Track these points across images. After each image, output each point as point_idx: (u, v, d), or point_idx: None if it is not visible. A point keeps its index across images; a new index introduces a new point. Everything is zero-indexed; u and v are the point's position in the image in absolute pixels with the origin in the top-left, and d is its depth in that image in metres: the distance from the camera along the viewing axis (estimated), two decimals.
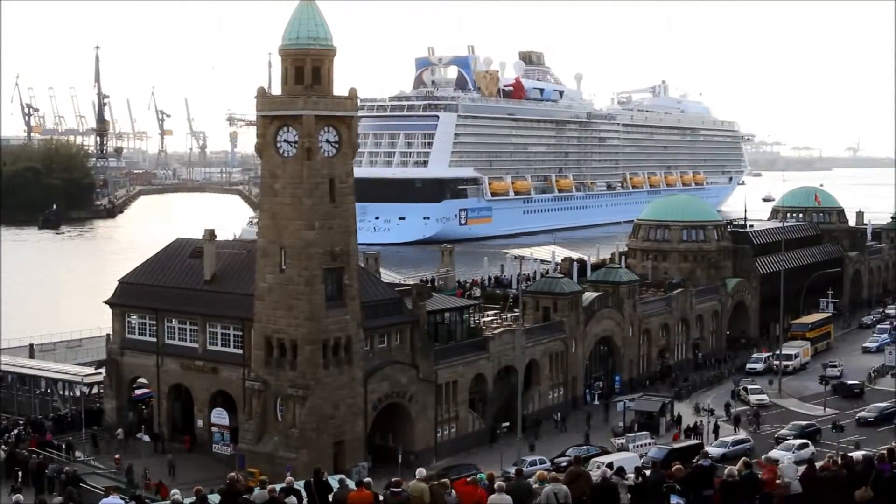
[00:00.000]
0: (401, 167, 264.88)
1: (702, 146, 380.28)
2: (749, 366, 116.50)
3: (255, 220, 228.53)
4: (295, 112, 77.53)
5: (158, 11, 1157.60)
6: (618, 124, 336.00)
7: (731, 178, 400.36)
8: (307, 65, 78.14)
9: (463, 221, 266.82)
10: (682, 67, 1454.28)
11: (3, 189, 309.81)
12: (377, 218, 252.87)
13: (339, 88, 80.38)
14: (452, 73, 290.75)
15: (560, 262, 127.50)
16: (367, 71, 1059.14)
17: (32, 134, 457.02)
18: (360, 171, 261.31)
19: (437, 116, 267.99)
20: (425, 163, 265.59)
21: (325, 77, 79.01)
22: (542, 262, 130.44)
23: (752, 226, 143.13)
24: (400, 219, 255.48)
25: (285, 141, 78.04)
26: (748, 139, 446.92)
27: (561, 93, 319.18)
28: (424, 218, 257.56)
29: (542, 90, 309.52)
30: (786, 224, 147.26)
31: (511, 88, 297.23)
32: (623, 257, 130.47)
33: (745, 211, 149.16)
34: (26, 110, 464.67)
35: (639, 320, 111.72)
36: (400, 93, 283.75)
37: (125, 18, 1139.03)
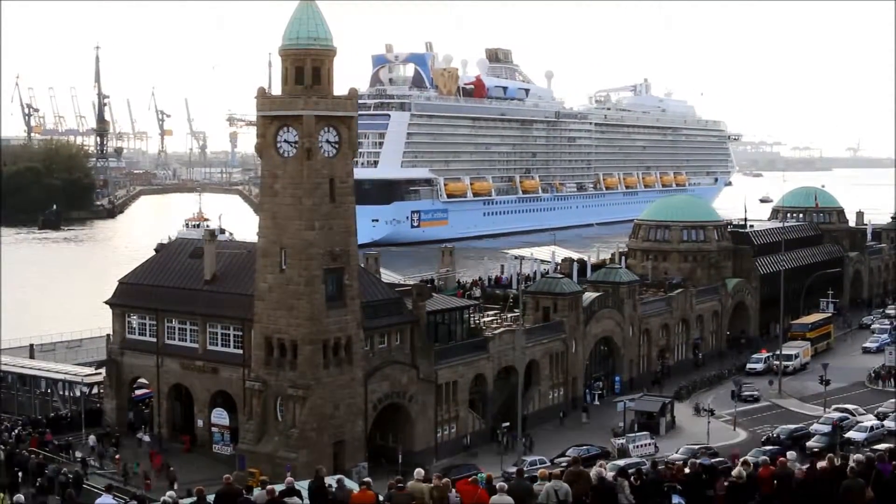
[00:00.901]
0: (373, 168, 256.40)
1: (684, 146, 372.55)
2: (749, 366, 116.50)
3: (194, 223, 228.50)
4: (295, 112, 77.49)
5: (158, 11, 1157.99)
6: (590, 123, 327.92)
7: (716, 179, 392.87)
8: (307, 65, 78.12)
9: (415, 224, 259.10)
10: (682, 68, 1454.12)
11: (4, 189, 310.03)
12: None
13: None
14: (410, 70, 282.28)
15: (560, 262, 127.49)
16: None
17: (33, 134, 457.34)
18: None
19: (389, 115, 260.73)
20: (375, 163, 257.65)
21: (326, 77, 79.00)
22: (543, 262, 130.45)
23: (752, 226, 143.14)
24: (373, 221, 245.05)
25: (285, 141, 78.02)
26: (735, 139, 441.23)
27: (527, 91, 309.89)
28: (373, 220, 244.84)
29: (505, 88, 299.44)
30: (786, 224, 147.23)
31: (472, 87, 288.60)
32: (623, 257, 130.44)
33: (745, 211, 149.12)
34: (26, 110, 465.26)
35: (639, 320, 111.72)
36: (356, 90, 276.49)
37: (125, 18, 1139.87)
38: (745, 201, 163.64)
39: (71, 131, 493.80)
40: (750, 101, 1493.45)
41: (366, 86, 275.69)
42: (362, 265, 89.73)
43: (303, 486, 32.61)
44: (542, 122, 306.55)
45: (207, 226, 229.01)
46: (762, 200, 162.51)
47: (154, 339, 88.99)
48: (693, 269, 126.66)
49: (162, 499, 32.03)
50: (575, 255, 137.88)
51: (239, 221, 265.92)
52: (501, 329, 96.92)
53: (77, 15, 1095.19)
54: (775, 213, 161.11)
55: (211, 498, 31.45)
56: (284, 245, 77.73)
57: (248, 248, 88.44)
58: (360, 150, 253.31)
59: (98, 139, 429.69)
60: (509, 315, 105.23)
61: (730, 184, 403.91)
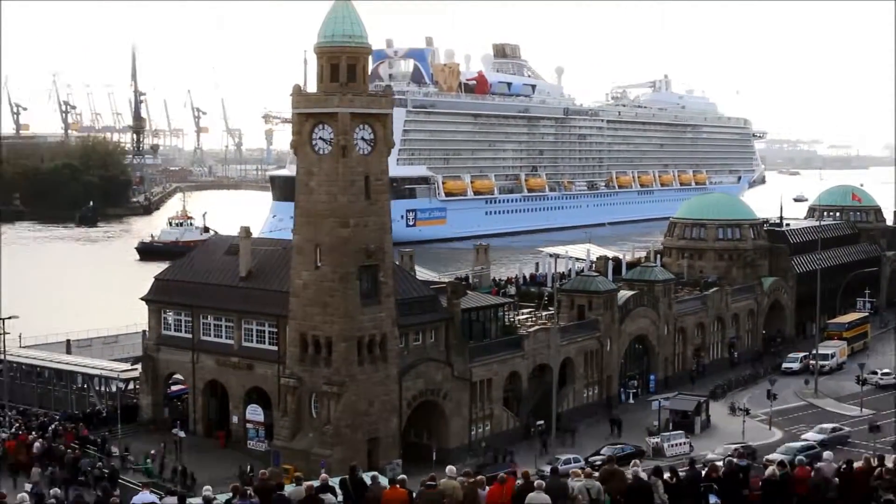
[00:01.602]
0: None
1: (705, 144, 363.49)
2: (785, 365, 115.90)
3: (177, 222, 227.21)
4: (330, 110, 77.57)
5: (194, 9, 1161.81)
6: (602, 120, 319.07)
7: (739, 178, 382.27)
8: (342, 62, 78.20)
9: (411, 223, 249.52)
10: (714, 67, 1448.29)
11: (42, 186, 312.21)
12: None
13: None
14: (409, 66, 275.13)
15: (595, 260, 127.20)
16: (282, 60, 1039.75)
17: (70, 131, 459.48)
18: None
19: None
20: None
21: (361, 75, 79.15)
22: (577, 260, 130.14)
23: (788, 224, 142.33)
24: None
25: (321, 138, 78.13)
26: (760, 136, 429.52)
27: (533, 87, 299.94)
28: None
29: (509, 84, 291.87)
30: (822, 223, 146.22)
31: (474, 82, 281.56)
32: (658, 256, 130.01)
33: (781, 210, 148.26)
34: (64, 108, 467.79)
35: (674, 319, 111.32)
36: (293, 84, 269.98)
37: (162, 16, 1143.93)
38: (781, 200, 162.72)
39: (108, 128, 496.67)
40: (787, 99, 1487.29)
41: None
42: (397, 262, 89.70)
43: (337, 483, 32.65)
44: (550, 119, 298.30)
45: (191, 224, 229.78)
46: (796, 199, 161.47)
47: (189, 336, 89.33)
48: (729, 268, 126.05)
49: (203, 493, 32.07)
50: (610, 254, 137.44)
51: (232, 218, 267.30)
52: (536, 327, 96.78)
53: (114, 13, 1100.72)
54: (812, 211, 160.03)
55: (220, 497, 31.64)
56: (319, 242, 77.83)
57: (283, 245, 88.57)
58: None
59: (134, 136, 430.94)
60: (544, 313, 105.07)
61: (762, 182, 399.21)
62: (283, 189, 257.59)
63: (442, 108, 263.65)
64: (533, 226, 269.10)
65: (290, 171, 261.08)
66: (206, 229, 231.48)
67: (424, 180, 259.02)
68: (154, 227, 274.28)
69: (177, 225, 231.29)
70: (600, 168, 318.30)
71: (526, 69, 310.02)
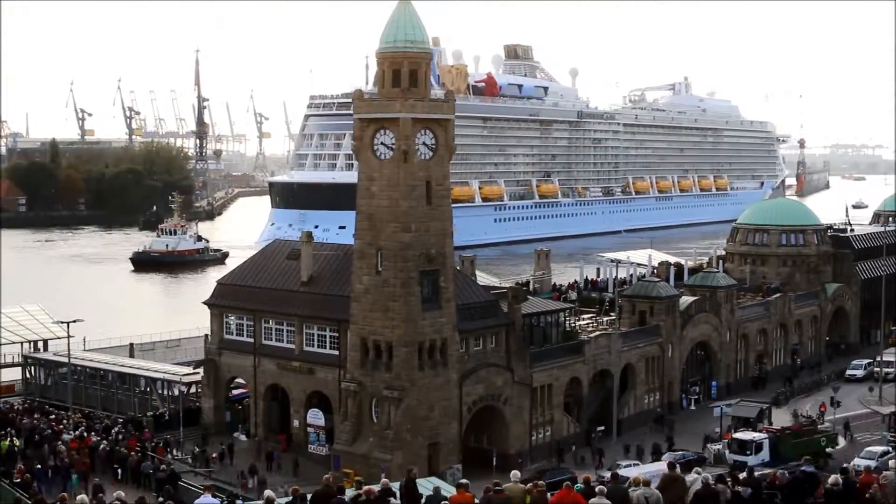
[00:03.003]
0: (345, 171, 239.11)
1: (726, 148, 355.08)
2: (849, 372, 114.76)
3: (169, 230, 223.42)
4: (392, 115, 77.69)
5: (257, 14, 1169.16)
6: (618, 124, 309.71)
7: (762, 183, 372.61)
8: (404, 67, 78.25)
9: None
10: (748, 70, 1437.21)
11: (107, 191, 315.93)
12: (316, 227, 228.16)
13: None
14: None
15: (657, 265, 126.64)
16: (343, 66, 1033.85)
17: (134, 136, 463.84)
18: (302, 175, 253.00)
19: None
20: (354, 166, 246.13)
21: (422, 79, 79.16)
22: (639, 265, 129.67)
23: (852, 230, 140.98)
24: (340, 228, 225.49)
25: (382, 143, 78.29)
26: (783, 140, 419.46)
27: (545, 89, 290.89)
28: (340, 227, 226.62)
29: (520, 86, 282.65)
30: (888, 228, 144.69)
31: (483, 84, 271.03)
32: (721, 261, 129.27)
33: (847, 215, 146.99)
34: (128, 113, 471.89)
35: (736, 325, 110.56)
36: (355, 89, 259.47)
37: (225, 21, 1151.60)
38: (845, 205, 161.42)
39: (171, 134, 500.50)
40: (848, 104, 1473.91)
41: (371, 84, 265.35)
42: (458, 267, 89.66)
43: (396, 487, 32.74)
44: (564, 123, 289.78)
45: (184, 233, 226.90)
46: (855, 206, 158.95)
47: (251, 340, 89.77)
48: (792, 274, 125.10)
49: (266, 495, 32.16)
50: (672, 259, 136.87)
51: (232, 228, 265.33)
52: (597, 332, 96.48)
53: (177, 18, 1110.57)
54: (876, 217, 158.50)
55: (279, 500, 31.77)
56: (381, 247, 77.97)
57: (344, 249, 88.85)
58: (338, 153, 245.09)
59: (197, 141, 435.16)
60: (605, 318, 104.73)
61: (828, 187, 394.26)
62: (282, 195, 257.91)
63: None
64: (545, 233, 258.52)
65: (289, 177, 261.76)
66: (200, 238, 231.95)
67: None
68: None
69: (169, 233, 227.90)
70: (616, 173, 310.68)
71: (539, 71, 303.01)
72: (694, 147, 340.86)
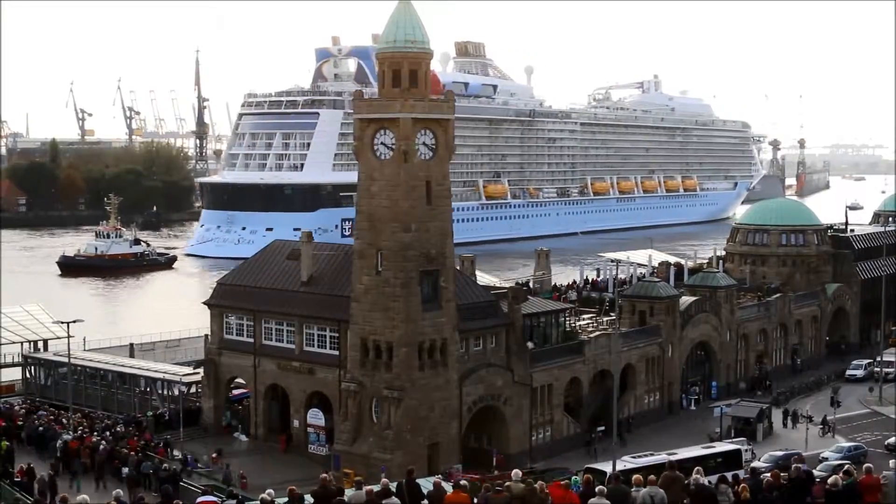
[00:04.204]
0: (274, 171, 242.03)
1: (696, 148, 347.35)
2: (849, 373, 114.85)
3: (105, 234, 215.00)
4: (392, 115, 77.69)
5: (257, 14, 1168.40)
6: (575, 123, 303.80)
7: (735, 184, 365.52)
8: (404, 67, 78.22)
9: (347, 233, 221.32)
10: (772, 70, 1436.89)
11: (106, 191, 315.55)
12: (244, 228, 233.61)
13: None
14: (354, 65, 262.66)
15: (657, 266, 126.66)
16: (288, 64, 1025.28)
17: (134, 137, 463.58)
18: (233, 176, 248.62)
19: (318, 114, 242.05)
20: (302, 166, 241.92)
21: (423, 80, 79.08)
22: (639, 265, 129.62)
23: (852, 230, 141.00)
24: (267, 230, 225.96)
25: (382, 143, 78.30)
26: (759, 140, 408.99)
27: (495, 87, 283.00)
28: (295, 229, 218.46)
29: (466, 84, 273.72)
30: (888, 228, 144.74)
31: None
32: (721, 261, 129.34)
33: (846, 215, 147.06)
34: (128, 113, 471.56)
35: (736, 325, 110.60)
36: (295, 87, 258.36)
37: (225, 21, 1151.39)
38: (845, 208, 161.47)
39: (171, 134, 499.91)
40: (848, 103, 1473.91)
41: (309, 82, 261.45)
42: (458, 267, 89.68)
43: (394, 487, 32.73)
44: (515, 122, 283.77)
45: (120, 236, 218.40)
46: (851, 207, 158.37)
47: (251, 340, 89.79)
48: (792, 274, 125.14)
49: (261, 496, 32.27)
50: (672, 259, 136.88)
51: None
52: (597, 332, 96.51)
53: (177, 18, 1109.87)
54: (876, 217, 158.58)
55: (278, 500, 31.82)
56: (381, 247, 77.97)
57: (344, 250, 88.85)
58: (286, 153, 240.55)
59: (198, 142, 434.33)
60: (605, 319, 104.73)
61: (828, 187, 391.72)
62: (212, 197, 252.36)
63: None
64: (492, 235, 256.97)
65: (221, 177, 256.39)
66: (138, 241, 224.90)
67: None
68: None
69: (104, 236, 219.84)
70: (573, 174, 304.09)
71: (491, 68, 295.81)
72: (660, 147, 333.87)
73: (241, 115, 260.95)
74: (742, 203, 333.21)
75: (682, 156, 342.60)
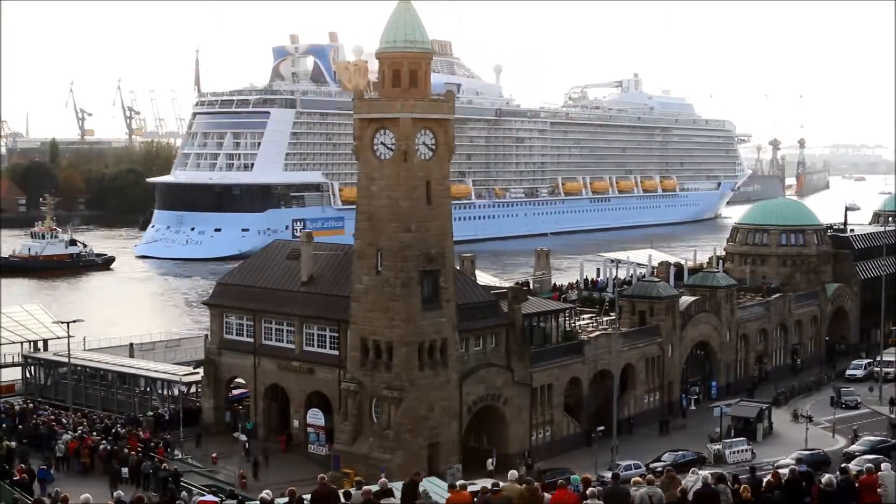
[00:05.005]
0: (225, 171, 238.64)
1: (677, 148, 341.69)
2: (849, 372, 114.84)
3: (41, 234, 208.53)
4: (392, 115, 77.70)
5: (257, 14, 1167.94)
6: (544, 122, 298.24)
7: (719, 184, 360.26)
8: (404, 68, 78.25)
9: (298, 233, 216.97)
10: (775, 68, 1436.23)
11: (106, 191, 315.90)
12: (192, 229, 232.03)
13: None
14: (311, 64, 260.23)
15: (657, 265, 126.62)
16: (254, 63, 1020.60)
17: (134, 136, 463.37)
18: (184, 175, 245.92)
19: (269, 113, 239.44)
20: (252, 166, 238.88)
21: (423, 80, 79.09)
22: (639, 265, 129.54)
23: (852, 230, 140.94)
24: (216, 230, 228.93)
25: (382, 143, 78.31)
26: (743, 140, 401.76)
27: (459, 86, 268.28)
28: (243, 230, 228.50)
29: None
30: (887, 228, 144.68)
31: None
32: (721, 261, 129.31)
33: (846, 215, 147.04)
34: (128, 113, 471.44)
35: (736, 325, 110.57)
36: (251, 86, 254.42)
37: (225, 21, 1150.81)
38: (845, 205, 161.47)
39: (171, 134, 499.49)
40: (850, 103, 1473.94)
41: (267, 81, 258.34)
42: (458, 267, 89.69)
43: (397, 487, 32.71)
44: (480, 121, 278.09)
45: (55, 237, 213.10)
46: (849, 208, 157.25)
47: (251, 340, 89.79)
48: (792, 274, 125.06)
49: (260, 496, 32.29)
50: (672, 259, 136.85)
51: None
52: (597, 332, 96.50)
53: (177, 18, 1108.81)
54: (876, 217, 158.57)
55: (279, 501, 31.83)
56: (381, 247, 77.97)
57: (344, 249, 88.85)
58: (237, 152, 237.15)
59: None
60: (605, 318, 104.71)
61: (827, 187, 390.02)
62: (163, 197, 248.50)
63: (337, 108, 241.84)
64: (456, 236, 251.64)
65: (174, 177, 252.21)
66: (74, 242, 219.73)
67: (316, 187, 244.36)
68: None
69: (40, 237, 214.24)
70: (543, 174, 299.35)
71: (459, 67, 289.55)
72: (638, 146, 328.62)
73: (194, 115, 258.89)
74: (742, 203, 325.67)
75: (661, 156, 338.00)
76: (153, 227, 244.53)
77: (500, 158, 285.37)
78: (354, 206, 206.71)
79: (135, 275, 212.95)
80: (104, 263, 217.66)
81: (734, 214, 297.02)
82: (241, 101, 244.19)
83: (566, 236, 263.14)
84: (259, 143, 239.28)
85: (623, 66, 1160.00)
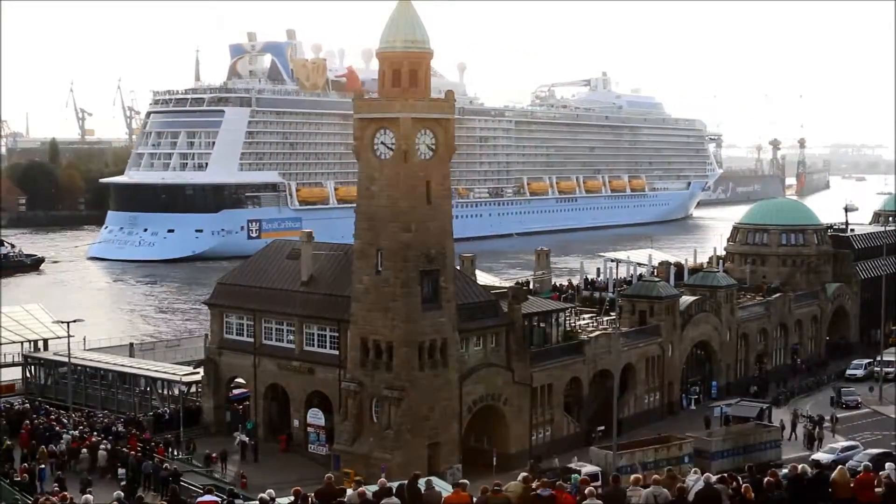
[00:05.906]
0: (178, 171, 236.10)
1: (645, 147, 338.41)
2: (849, 372, 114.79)
3: None
4: (392, 115, 77.65)
5: (257, 14, 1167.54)
6: (509, 121, 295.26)
7: (689, 184, 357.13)
8: (404, 67, 78.17)
9: (254, 234, 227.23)
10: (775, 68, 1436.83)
11: (107, 191, 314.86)
12: (146, 230, 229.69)
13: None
14: (269, 62, 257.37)
15: (657, 265, 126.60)
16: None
17: (133, 136, 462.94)
18: (138, 176, 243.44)
19: (223, 112, 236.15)
20: (206, 166, 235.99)
21: (423, 79, 79.03)
22: (639, 265, 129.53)
23: (852, 230, 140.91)
24: (169, 231, 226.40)
25: (382, 143, 78.26)
26: (714, 139, 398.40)
27: None
28: (196, 231, 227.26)
29: None
30: (888, 228, 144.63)
31: (343, 79, 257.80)
32: (721, 261, 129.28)
33: (846, 215, 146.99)
34: (128, 113, 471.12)
35: (736, 325, 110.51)
36: (203, 84, 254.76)
37: (225, 21, 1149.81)
38: (845, 205, 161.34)
39: None
40: (850, 103, 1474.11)
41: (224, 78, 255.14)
42: (458, 267, 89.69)
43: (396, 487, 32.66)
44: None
45: None
46: (846, 209, 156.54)
47: (251, 339, 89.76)
48: (792, 274, 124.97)
49: (260, 496, 32.28)
50: (672, 259, 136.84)
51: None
52: (597, 332, 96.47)
53: (177, 18, 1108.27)
54: (876, 216, 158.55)
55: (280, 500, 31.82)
56: (381, 247, 77.94)
57: (344, 249, 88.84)
58: (190, 152, 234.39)
59: None
60: (605, 318, 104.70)
61: (828, 187, 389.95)
62: (116, 197, 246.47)
63: (294, 107, 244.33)
64: None
65: (128, 177, 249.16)
66: (1, 244, 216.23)
67: (272, 187, 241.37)
68: None
69: None
70: (508, 174, 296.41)
71: None
72: (606, 146, 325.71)
73: (148, 114, 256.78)
74: (742, 204, 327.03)
75: (630, 155, 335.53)
76: (106, 228, 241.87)
77: (463, 158, 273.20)
78: (311, 207, 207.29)
79: (63, 276, 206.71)
80: (33, 264, 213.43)
81: (706, 215, 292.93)
82: (196, 99, 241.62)
83: (532, 237, 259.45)
84: (213, 143, 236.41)
85: (593, 65, 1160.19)
